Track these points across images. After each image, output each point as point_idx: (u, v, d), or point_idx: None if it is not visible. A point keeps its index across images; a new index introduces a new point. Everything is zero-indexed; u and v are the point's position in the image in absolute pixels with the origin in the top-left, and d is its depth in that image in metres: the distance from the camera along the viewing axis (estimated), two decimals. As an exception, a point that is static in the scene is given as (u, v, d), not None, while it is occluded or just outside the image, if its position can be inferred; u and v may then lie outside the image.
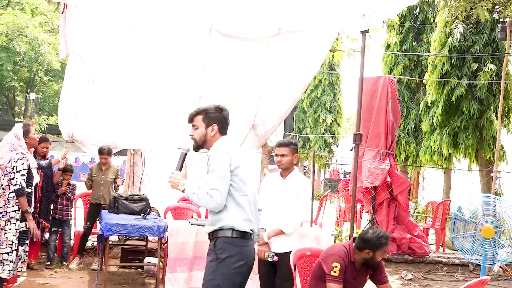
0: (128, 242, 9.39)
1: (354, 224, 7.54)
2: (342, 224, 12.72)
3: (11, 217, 6.65)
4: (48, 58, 31.65)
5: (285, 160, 5.73)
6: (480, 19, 11.21)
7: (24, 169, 6.72)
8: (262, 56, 8.17)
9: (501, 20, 11.88)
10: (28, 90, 36.99)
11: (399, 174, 11.07)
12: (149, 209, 8.02)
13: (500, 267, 9.52)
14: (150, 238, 8.70)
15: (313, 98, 30.50)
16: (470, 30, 12.99)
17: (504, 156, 13.02)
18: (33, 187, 7.03)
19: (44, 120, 31.81)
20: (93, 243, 9.64)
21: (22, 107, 41.41)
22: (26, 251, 6.97)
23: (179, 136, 9.48)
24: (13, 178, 6.64)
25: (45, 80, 37.72)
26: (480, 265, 8.78)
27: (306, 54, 8.10)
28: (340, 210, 13.58)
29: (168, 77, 8.33)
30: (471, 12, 10.64)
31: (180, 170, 4.29)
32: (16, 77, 34.14)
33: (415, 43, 18.19)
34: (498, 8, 11.78)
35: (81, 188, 9.54)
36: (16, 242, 6.66)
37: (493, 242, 8.26)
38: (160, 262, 7.62)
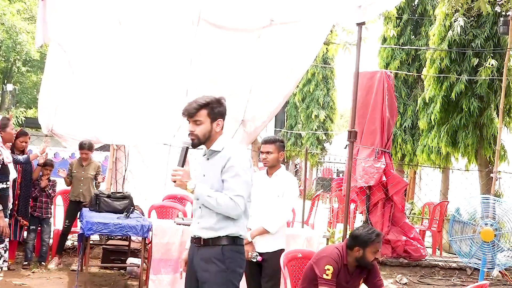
0: (110, 242, 9.39)
1: (348, 225, 7.57)
2: (335, 225, 12.76)
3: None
4: (26, 48, 31.50)
5: (270, 157, 5.79)
6: (482, 12, 11.25)
7: None
8: (253, 48, 8.17)
9: (503, 13, 11.90)
10: (5, 81, 36.78)
11: (395, 173, 11.11)
12: (132, 207, 8.02)
13: (499, 271, 9.57)
14: (133, 238, 8.68)
15: (305, 93, 30.51)
16: (471, 23, 13.02)
17: (505, 155, 13.06)
18: (9, 183, 6.99)
19: (22, 113, 31.67)
20: (73, 243, 9.62)
21: (-2, 98, 41.25)
22: (6, 249, 6.95)
23: (164, 131, 9.50)
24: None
25: (23, 70, 37.58)
26: (478, 269, 8.83)
27: (299, 47, 8.11)
28: (332, 211, 13.62)
29: (154, 68, 8.32)
30: (472, 5, 10.70)
31: (183, 166, 4.05)
32: (-8, 67, 34.02)
33: (413, 36, 18.22)
34: (500, 1, 11.83)
35: (61, 184, 9.52)
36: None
37: (493, 246, 8.31)
38: (144, 263, 7.61)
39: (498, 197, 10.19)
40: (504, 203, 8.57)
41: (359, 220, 12.79)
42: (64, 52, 8.30)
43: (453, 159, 14.77)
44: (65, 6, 7.51)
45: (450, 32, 13.00)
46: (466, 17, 12.93)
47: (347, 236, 5.10)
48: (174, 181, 4.02)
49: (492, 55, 12.71)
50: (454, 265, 10.84)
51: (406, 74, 17.48)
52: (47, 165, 8.88)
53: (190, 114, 4.09)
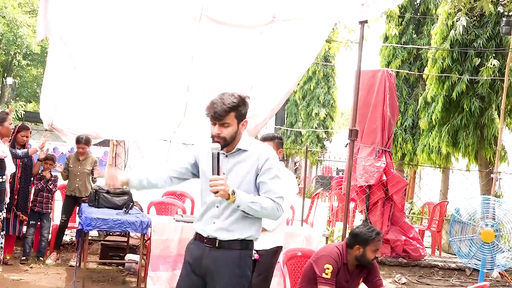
0: (108, 238, 9.37)
1: (347, 224, 7.55)
2: (334, 223, 12.75)
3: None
4: (27, 41, 31.42)
5: None
6: (484, 12, 11.21)
7: None
8: (254, 45, 8.14)
9: (506, 13, 11.89)
10: (5, 75, 36.75)
11: (395, 173, 11.10)
12: (131, 203, 8.02)
13: (499, 272, 9.57)
14: (132, 234, 8.68)
15: (306, 90, 30.53)
16: (473, 23, 13.00)
17: (505, 156, 13.06)
18: (5, 177, 6.97)
19: (22, 107, 31.64)
20: (72, 238, 9.61)
21: (-3, 92, 41.26)
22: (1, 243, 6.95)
23: (164, 127, 9.47)
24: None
25: (24, 64, 37.53)
26: (477, 270, 8.82)
27: (301, 44, 8.09)
28: (332, 209, 13.61)
29: (155, 64, 8.29)
30: (475, 4, 10.68)
31: (218, 174, 3.76)
32: (-8, 60, 34.00)
33: (415, 35, 18.20)
34: (503, 1, 11.82)
35: (62, 180, 9.50)
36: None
37: (493, 247, 8.30)
38: (142, 260, 7.61)
39: (498, 198, 10.17)
40: (504, 203, 8.56)
41: (358, 219, 12.78)
42: (65, 46, 8.27)
43: (453, 159, 14.76)
44: (67, 0, 7.48)
45: (452, 31, 12.97)
46: (468, 17, 12.91)
47: (347, 235, 5.08)
48: (216, 192, 3.69)
49: (494, 55, 12.68)
50: (453, 265, 10.84)
51: (407, 73, 17.46)
52: (48, 159, 8.85)
53: (219, 117, 3.83)
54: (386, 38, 17.90)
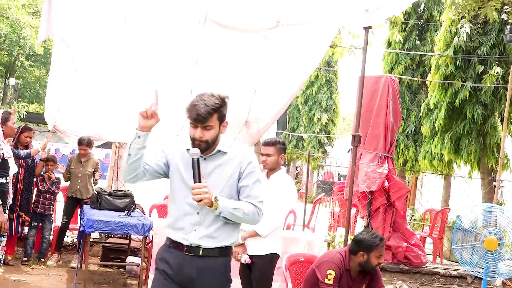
0: (109, 240, 9.37)
1: (349, 230, 7.54)
2: (336, 229, 12.73)
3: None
4: (30, 42, 31.46)
5: (270, 160, 5.68)
6: (488, 19, 11.23)
7: None
8: (258, 49, 8.14)
9: (510, 21, 11.91)
10: (8, 75, 36.78)
11: (398, 179, 11.08)
12: (133, 206, 8.01)
13: (502, 281, 9.54)
14: (133, 236, 8.67)
15: (308, 95, 30.58)
16: (477, 30, 13.02)
17: (508, 164, 13.05)
18: (9, 178, 6.97)
19: (24, 108, 31.64)
20: (73, 240, 9.60)
21: (0, 92, 41.25)
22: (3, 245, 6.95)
23: (167, 130, 9.46)
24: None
25: (26, 65, 37.53)
26: (479, 278, 8.79)
27: (305, 49, 8.09)
28: (334, 215, 13.60)
29: (158, 67, 8.29)
30: (479, 12, 10.67)
31: (200, 181, 3.56)
32: (-5, 61, 34.03)
33: (419, 41, 18.24)
34: (507, 9, 11.82)
35: (62, 181, 9.50)
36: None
37: (496, 255, 8.27)
38: (144, 262, 7.60)
39: (500, 206, 10.15)
40: (506, 211, 8.54)
41: (360, 225, 12.76)
42: (67, 47, 8.29)
43: (455, 166, 14.75)
44: (71, 1, 7.48)
45: (456, 38, 12.99)
46: (472, 24, 12.92)
47: (349, 241, 5.07)
48: (199, 200, 3.51)
49: (497, 62, 12.71)
50: (454, 273, 10.80)
51: (410, 80, 17.48)
52: (49, 160, 8.85)
53: (202, 120, 3.61)
54: (389, 44, 17.92)
